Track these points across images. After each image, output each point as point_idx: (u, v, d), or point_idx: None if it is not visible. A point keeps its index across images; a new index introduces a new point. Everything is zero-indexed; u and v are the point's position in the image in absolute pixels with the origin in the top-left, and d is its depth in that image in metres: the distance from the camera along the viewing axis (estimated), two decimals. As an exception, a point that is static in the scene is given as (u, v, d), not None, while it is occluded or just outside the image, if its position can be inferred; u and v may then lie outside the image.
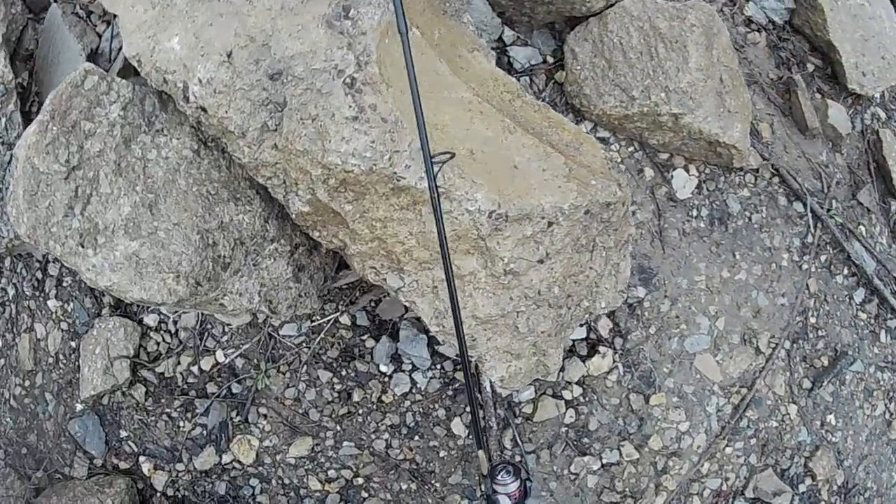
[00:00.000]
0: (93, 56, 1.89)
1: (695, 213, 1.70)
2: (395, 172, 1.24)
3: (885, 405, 1.98)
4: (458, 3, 1.61)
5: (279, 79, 1.31)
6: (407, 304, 1.40)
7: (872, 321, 1.95)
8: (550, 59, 1.73)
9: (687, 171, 1.71)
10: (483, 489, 1.24)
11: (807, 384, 1.80)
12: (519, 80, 1.71)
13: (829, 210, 1.88)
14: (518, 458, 1.54)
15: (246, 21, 1.30)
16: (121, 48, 1.58)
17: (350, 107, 1.23)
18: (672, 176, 1.69)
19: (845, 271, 1.90)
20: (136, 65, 1.41)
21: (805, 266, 1.82)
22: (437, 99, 1.37)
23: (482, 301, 1.36)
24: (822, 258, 1.87)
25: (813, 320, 1.82)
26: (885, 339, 1.97)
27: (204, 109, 1.33)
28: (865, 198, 1.98)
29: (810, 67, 2.03)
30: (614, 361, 1.57)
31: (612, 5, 1.73)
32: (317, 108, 1.25)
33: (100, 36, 1.90)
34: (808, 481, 1.81)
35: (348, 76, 1.24)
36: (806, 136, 1.94)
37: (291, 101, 1.28)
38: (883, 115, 2.13)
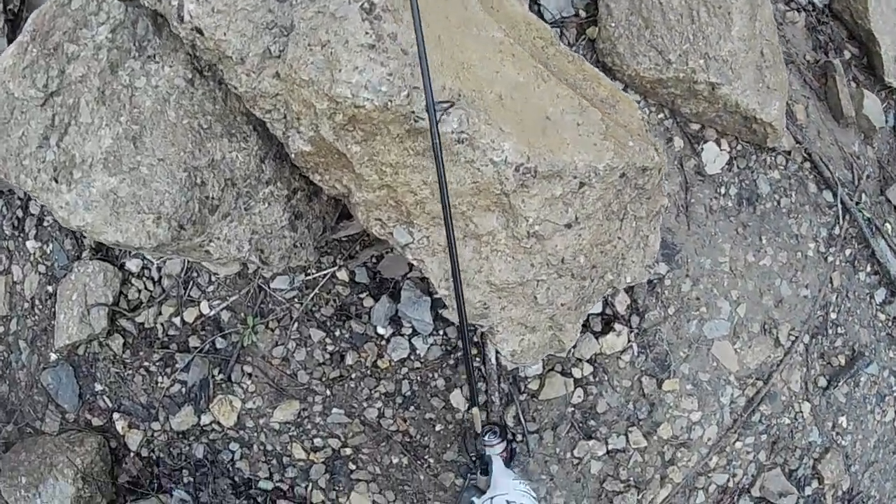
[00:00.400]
0: None
1: (723, 190, 1.55)
2: (413, 112, 1.08)
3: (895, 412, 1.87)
4: None
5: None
6: (414, 263, 1.24)
7: (891, 323, 1.82)
8: (583, 13, 1.57)
9: (718, 144, 1.57)
10: (476, 447, 1.14)
11: (822, 382, 1.67)
12: None
13: (858, 203, 1.75)
14: (520, 438, 1.39)
15: None
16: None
17: (367, 33, 1.06)
18: (702, 149, 1.55)
19: (868, 269, 1.77)
20: None
21: (830, 258, 1.68)
22: (465, 35, 1.20)
23: (500, 265, 1.20)
24: (847, 252, 1.73)
25: (834, 316, 1.69)
26: (902, 343, 1.85)
27: (200, 31, 1.15)
28: (894, 195, 1.85)
29: (847, 55, 1.89)
30: (629, 341, 1.42)
31: None
32: (328, 34, 1.07)
33: None
34: (815, 484, 1.69)
35: (367, 0, 1.07)
36: (840, 124, 1.80)
37: (300, 25, 1.11)
38: (914, 112, 1.99)
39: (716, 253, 1.52)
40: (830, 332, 1.69)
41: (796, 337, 1.61)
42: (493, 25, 1.25)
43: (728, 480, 1.57)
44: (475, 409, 1.18)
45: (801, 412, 1.64)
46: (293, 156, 1.23)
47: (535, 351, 1.27)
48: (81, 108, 1.28)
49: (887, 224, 1.83)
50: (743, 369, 1.54)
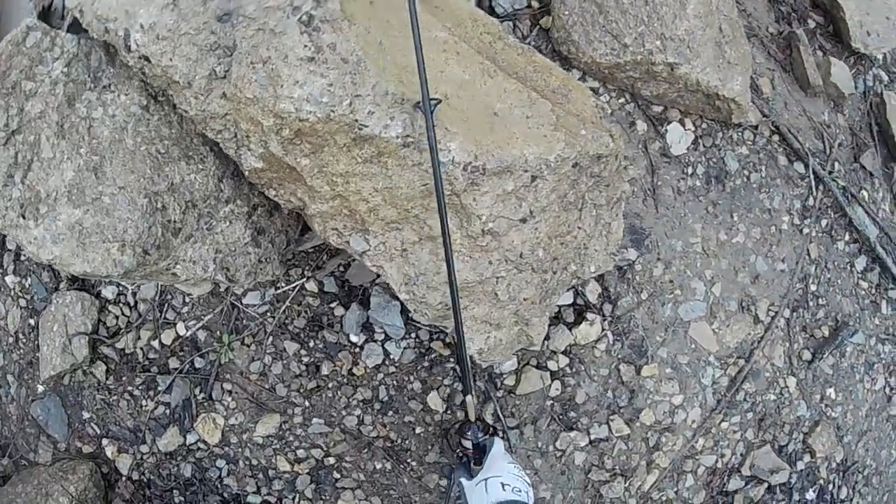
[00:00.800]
0: (45, 13, 1.70)
1: (690, 170, 1.52)
2: (357, 120, 1.06)
3: (886, 379, 1.83)
4: None
5: (229, 20, 1.13)
6: (374, 269, 1.23)
7: (874, 291, 1.79)
8: (536, 4, 1.54)
9: (682, 125, 1.54)
10: (467, 437, 1.12)
11: (807, 356, 1.65)
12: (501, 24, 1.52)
13: (831, 172, 1.72)
14: (501, 434, 1.38)
15: None
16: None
17: (305, 46, 1.05)
18: (666, 130, 1.52)
19: (847, 237, 1.74)
20: (77, 15, 1.24)
21: (806, 230, 1.65)
22: (408, 37, 1.19)
23: (457, 265, 1.19)
24: (824, 223, 1.70)
25: (814, 288, 1.66)
26: (886, 311, 1.81)
27: (147, 59, 1.15)
28: (868, 161, 1.81)
29: (811, 24, 1.85)
30: (603, 329, 1.40)
31: None
32: (269, 50, 1.06)
33: None
34: (807, 458, 1.66)
35: (305, 13, 1.06)
36: (807, 94, 1.76)
37: (242, 45, 1.10)
38: (885, 77, 1.95)
39: (686, 234, 1.50)
40: (811, 304, 1.66)
41: (776, 312, 1.58)
42: (436, 25, 1.23)
43: (717, 461, 1.54)
44: (469, 397, 1.16)
45: (787, 387, 1.62)
46: (247, 173, 1.23)
47: (503, 347, 1.25)
48: (42, 143, 1.28)
49: (863, 191, 1.79)
50: (723, 349, 1.52)
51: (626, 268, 1.43)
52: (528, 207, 1.17)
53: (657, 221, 1.47)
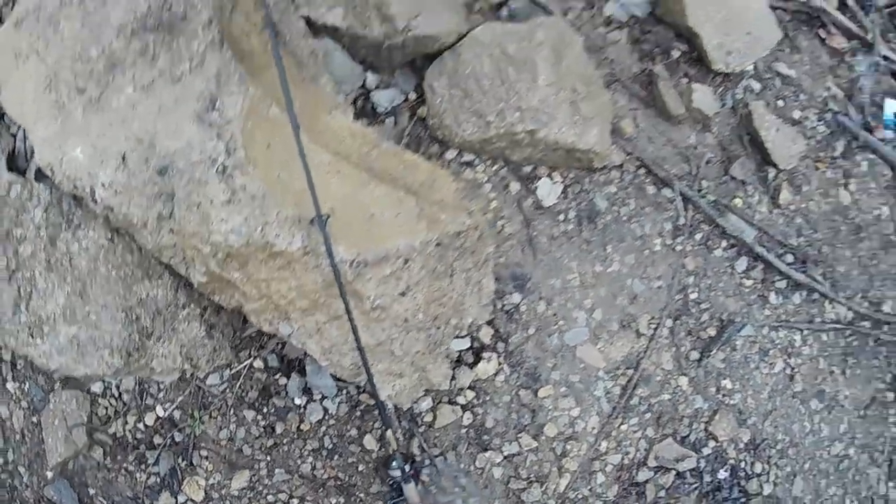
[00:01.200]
0: (11, 158, 2.31)
1: (562, 217, 2.08)
2: (268, 241, 1.65)
3: (785, 361, 2.37)
4: (315, 68, 2.00)
5: (166, 173, 1.71)
6: (300, 346, 1.81)
7: (759, 286, 2.33)
8: (413, 96, 2.11)
9: (551, 178, 2.10)
10: (395, 465, 1.73)
11: (695, 356, 2.20)
12: (384, 121, 2.10)
13: (700, 190, 2.26)
14: (427, 463, 1.96)
15: (132, 126, 1.65)
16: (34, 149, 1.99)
17: (224, 191, 1.64)
18: (536, 186, 2.08)
19: (724, 244, 2.28)
20: (49, 173, 1.79)
21: (679, 247, 2.20)
22: (299, 166, 1.78)
23: (361, 335, 1.77)
24: (698, 237, 2.25)
25: (694, 296, 2.21)
26: (775, 301, 2.35)
27: (111, 208, 1.72)
28: (739, 171, 2.35)
29: (676, 54, 2.40)
30: (500, 364, 1.97)
31: (464, 36, 2.10)
32: (199, 196, 1.66)
33: (14, 136, 2.32)
34: (712, 444, 2.21)
35: (220, 164, 1.65)
36: (672, 123, 2.31)
37: (178, 192, 1.69)
38: (757, 86, 2.49)
39: (564, 272, 2.06)
40: (693, 310, 2.21)
41: (658, 323, 2.13)
42: (320, 151, 1.81)
43: (622, 459, 2.10)
44: (388, 432, 1.75)
45: (679, 386, 2.17)
46: (196, 285, 1.83)
47: (409, 391, 1.84)
48: (37, 277, 1.90)
49: (737, 199, 2.33)
50: (610, 363, 2.07)
51: (512, 310, 2.00)
52: (405, 283, 1.75)
53: (536, 266, 2.04)
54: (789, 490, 2.36)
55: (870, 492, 2.57)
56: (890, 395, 2.63)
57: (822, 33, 2.79)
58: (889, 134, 2.81)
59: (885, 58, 2.91)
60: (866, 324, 2.57)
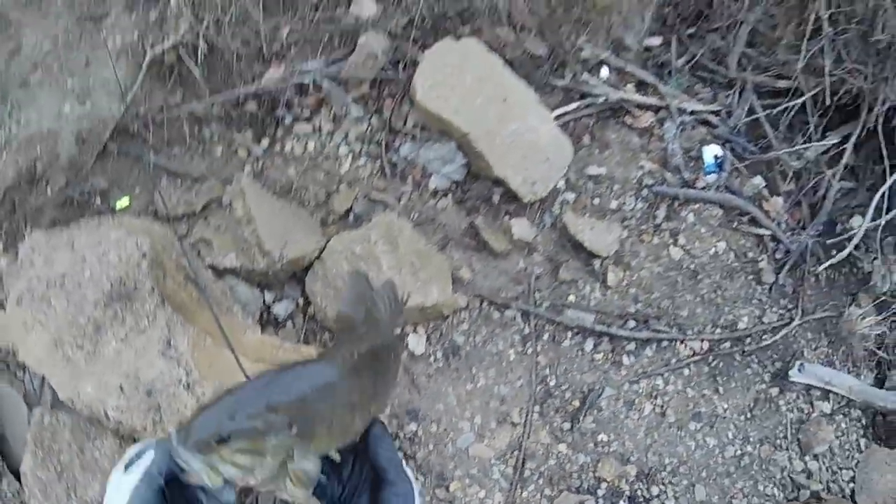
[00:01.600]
0: (26, 396, 3.54)
1: (432, 359, 2.93)
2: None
3: (653, 403, 3.00)
4: (227, 301, 3.04)
5: (152, 394, 2.80)
6: None
7: (610, 355, 3.00)
8: (301, 301, 3.08)
9: (416, 332, 2.96)
10: None
11: (567, 426, 2.91)
12: (286, 325, 3.08)
13: (535, 302, 3.01)
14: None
15: (121, 366, 2.71)
16: (41, 384, 3.11)
17: (191, 399, 2.70)
18: (407, 342, 2.96)
19: (569, 335, 3.00)
20: (69, 404, 2.86)
21: (530, 350, 2.95)
22: (235, 375, 2.81)
23: None
24: (545, 336, 2.99)
25: (553, 382, 2.94)
26: (628, 361, 3.01)
27: (119, 422, 2.82)
28: (566, 273, 3.07)
29: (497, 198, 3.20)
30: (416, 476, 2.82)
31: (324, 249, 3.06)
32: (177, 405, 2.71)
33: (22, 381, 3.50)
34: (604, 485, 2.89)
35: (184, 382, 2.69)
36: (502, 258, 3.09)
37: (163, 404, 2.73)
38: (572, 196, 3.21)
39: (444, 397, 2.89)
40: (556, 393, 2.93)
41: (528, 412, 2.88)
42: (245, 360, 2.80)
43: (530, 517, 2.85)
44: None
45: (560, 451, 2.88)
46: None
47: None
48: (78, 479, 3.05)
49: (570, 296, 3.04)
50: (498, 452, 2.85)
51: (412, 436, 2.86)
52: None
53: (423, 399, 2.89)
54: (692, 498, 2.96)
55: (784, 472, 3.08)
56: (774, 391, 3.15)
57: (628, 119, 3.46)
58: (712, 178, 3.38)
59: (692, 112, 3.51)
60: (727, 345, 3.14)
